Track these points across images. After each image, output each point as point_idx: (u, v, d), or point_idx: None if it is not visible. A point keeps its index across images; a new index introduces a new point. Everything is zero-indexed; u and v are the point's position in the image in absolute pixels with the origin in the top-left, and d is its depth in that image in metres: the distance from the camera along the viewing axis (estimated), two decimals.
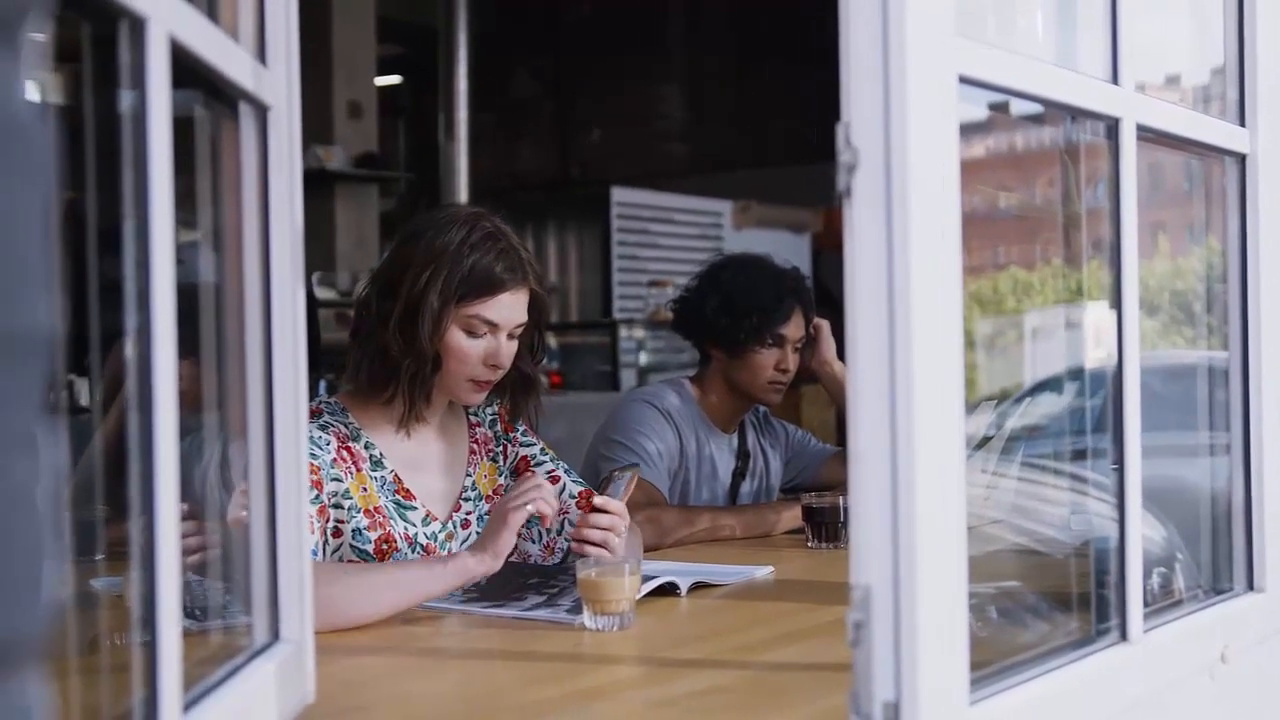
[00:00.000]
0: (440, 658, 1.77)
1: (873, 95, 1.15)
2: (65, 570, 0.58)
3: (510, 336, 2.20)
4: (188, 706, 1.07)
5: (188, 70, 1.09)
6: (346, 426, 2.18)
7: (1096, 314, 1.89)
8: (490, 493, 2.34)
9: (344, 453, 2.14)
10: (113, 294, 1.01)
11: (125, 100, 1.00)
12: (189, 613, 1.24)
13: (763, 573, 2.30)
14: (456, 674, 1.70)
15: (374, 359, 2.17)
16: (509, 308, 2.18)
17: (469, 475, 2.32)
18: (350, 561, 2.13)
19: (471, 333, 2.16)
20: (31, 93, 0.56)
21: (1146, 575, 1.57)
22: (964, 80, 1.23)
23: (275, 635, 1.36)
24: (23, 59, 0.55)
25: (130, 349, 1.00)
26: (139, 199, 0.99)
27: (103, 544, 1.46)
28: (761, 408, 3.14)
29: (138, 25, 0.98)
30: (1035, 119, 1.69)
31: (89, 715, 1.13)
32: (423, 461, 2.26)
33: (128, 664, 1.08)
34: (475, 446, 2.35)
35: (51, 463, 0.55)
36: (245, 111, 1.32)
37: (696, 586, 2.13)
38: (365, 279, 2.29)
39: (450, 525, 2.26)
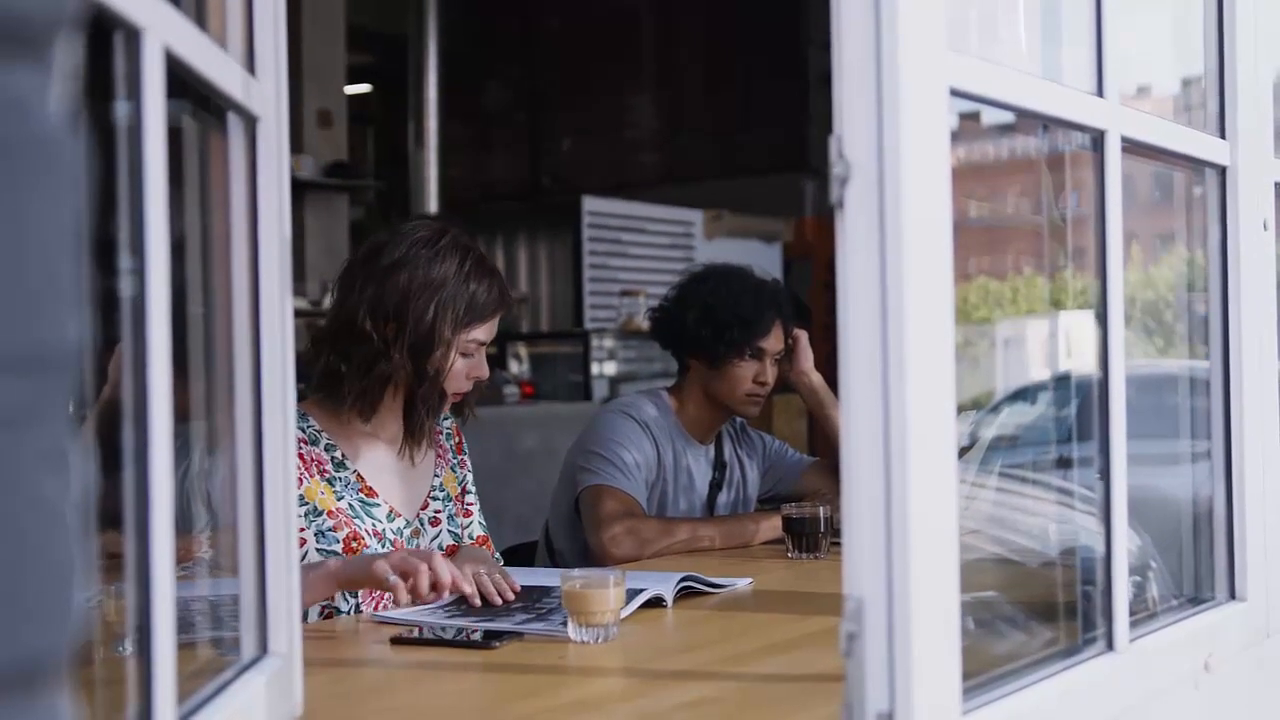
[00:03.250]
0: (427, 671, 1.76)
1: (865, 108, 1.15)
2: (92, 586, 0.58)
3: (487, 350, 2.31)
4: None
5: (177, 80, 1.09)
6: (304, 430, 2.21)
7: (1070, 324, 1.90)
8: (455, 496, 2.42)
9: (297, 459, 2.16)
10: (103, 304, 1.00)
11: (119, 110, 0.99)
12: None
13: (743, 584, 2.31)
14: (443, 687, 1.69)
15: (378, 386, 2.22)
16: (495, 326, 2.30)
17: (437, 476, 2.39)
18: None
19: (465, 354, 2.26)
20: (61, 108, 0.56)
21: None
22: (955, 93, 1.23)
23: (264, 649, 1.35)
24: (53, 75, 0.55)
25: (125, 359, 0.99)
26: (134, 208, 0.98)
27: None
28: (739, 418, 3.14)
29: (133, 36, 0.97)
30: (1004, 129, 1.70)
31: None
32: (389, 463, 2.32)
33: (114, 677, 1.07)
34: (440, 450, 2.42)
35: (80, 478, 0.55)
36: (234, 122, 1.31)
37: (682, 593, 2.14)
38: (336, 291, 2.29)
39: (417, 522, 2.32)
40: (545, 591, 2.15)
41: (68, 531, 0.54)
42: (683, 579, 2.15)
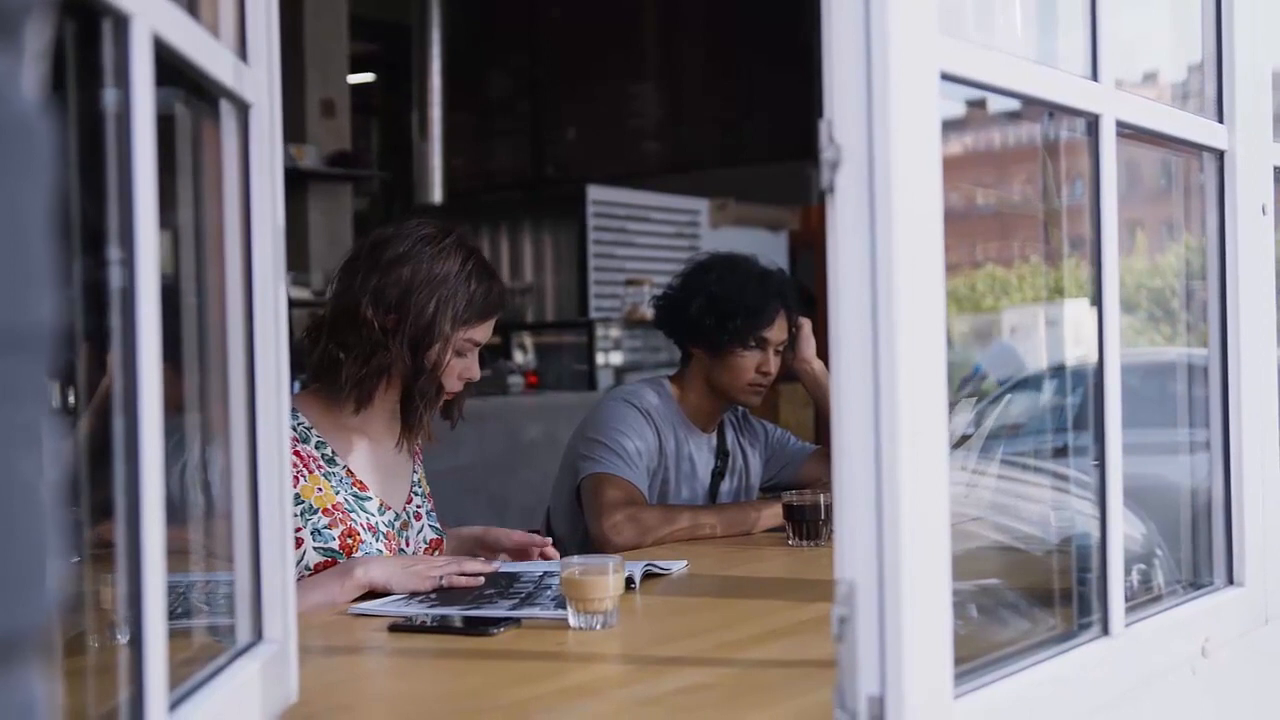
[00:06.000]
0: (423, 657, 1.77)
1: (855, 92, 1.15)
2: (68, 564, 0.58)
3: (482, 351, 2.34)
4: (173, 706, 1.07)
5: (168, 67, 1.09)
6: (294, 429, 2.21)
7: (1074, 312, 1.90)
8: (427, 493, 2.46)
9: (293, 456, 2.17)
10: (92, 295, 1.00)
11: (108, 99, 0.99)
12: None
13: (679, 566, 2.34)
14: (440, 673, 1.70)
15: (375, 376, 2.22)
16: (491, 328, 2.33)
17: (415, 472, 2.43)
18: (316, 565, 2.15)
19: (460, 353, 2.28)
20: (33, 91, 0.56)
21: (1126, 571, 1.57)
22: (946, 77, 1.23)
23: (258, 635, 1.35)
24: (25, 58, 0.55)
25: (114, 350, 1.00)
26: (123, 197, 0.98)
27: (81, 546, 1.45)
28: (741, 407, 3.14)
29: (121, 22, 0.97)
30: (1011, 116, 1.70)
31: (71, 716, 1.12)
32: (374, 457, 2.34)
33: (107, 665, 1.07)
34: (418, 449, 2.45)
35: (55, 457, 0.55)
36: (226, 110, 1.31)
37: (647, 577, 2.19)
38: (337, 281, 2.29)
39: (405, 515, 2.36)
40: (514, 578, 2.16)
41: (42, 509, 0.55)
42: (645, 572, 2.20)
